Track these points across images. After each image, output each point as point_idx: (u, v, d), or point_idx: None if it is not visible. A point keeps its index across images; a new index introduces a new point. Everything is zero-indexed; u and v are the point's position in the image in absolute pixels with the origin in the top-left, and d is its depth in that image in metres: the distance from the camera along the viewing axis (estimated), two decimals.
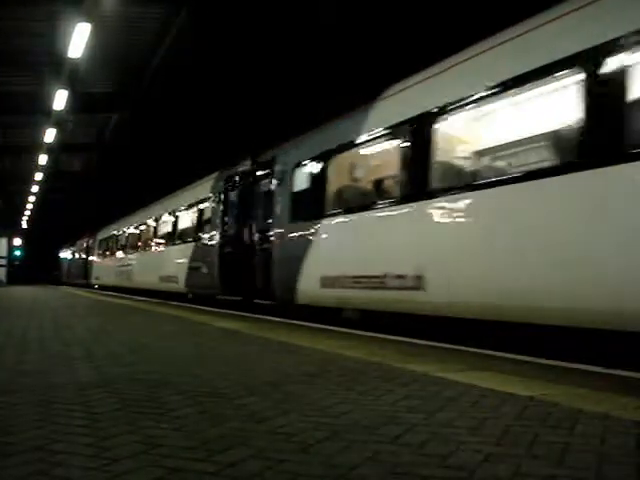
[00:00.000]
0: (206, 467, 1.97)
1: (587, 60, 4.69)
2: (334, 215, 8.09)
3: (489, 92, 5.61)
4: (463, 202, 5.83)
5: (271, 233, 9.90)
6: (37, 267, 52.26)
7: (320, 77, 14.30)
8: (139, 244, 19.91)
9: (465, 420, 2.60)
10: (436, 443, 2.25)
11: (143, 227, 19.62)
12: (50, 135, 23.97)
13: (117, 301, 16.18)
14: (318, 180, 8.51)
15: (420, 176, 6.41)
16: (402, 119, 6.80)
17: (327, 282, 7.92)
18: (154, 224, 18.11)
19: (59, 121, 22.29)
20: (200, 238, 13.51)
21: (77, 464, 2.00)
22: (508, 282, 5.29)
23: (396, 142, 6.98)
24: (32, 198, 41.52)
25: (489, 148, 6.40)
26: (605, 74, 4.55)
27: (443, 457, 2.08)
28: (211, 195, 13.17)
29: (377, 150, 7.67)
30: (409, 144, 6.66)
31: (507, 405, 2.91)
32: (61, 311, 11.17)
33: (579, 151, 4.83)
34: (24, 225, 53.18)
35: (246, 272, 10.73)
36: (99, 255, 27.71)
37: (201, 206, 13.81)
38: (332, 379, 3.66)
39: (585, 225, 4.69)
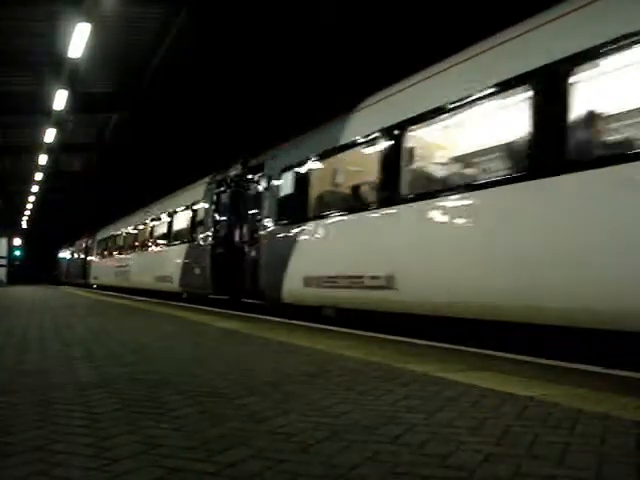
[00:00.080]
0: (206, 467, 1.97)
1: (530, 82, 5.18)
2: (315, 218, 8.62)
3: (445, 109, 6.20)
4: (427, 208, 6.33)
5: (259, 235, 10.43)
6: (37, 267, 52.25)
7: (320, 77, 14.30)
8: (136, 245, 20.25)
9: (465, 420, 2.60)
10: (436, 443, 2.25)
11: (139, 228, 20.02)
12: (50, 135, 23.96)
13: (117, 301, 16.19)
14: (301, 185, 9.10)
15: (390, 183, 6.94)
16: (373, 130, 7.34)
17: (309, 282, 8.38)
18: (150, 225, 18.58)
19: (59, 121, 22.28)
20: (193, 239, 14.02)
21: (77, 464, 2.00)
22: (463, 281, 5.77)
23: (369, 151, 7.50)
24: (32, 198, 41.51)
25: (446, 160, 6.91)
26: (545, 94, 5.02)
27: (443, 457, 2.07)
28: (204, 198, 13.68)
29: (353, 158, 8.26)
30: (380, 153, 7.17)
31: (507, 405, 2.91)
32: (61, 311, 11.17)
33: (524, 164, 5.34)
34: (24, 225, 53.18)
35: (236, 272, 11.21)
36: (97, 255, 27.92)
37: (195, 208, 14.30)
38: (332, 379, 3.66)
39: (530, 229, 5.14)
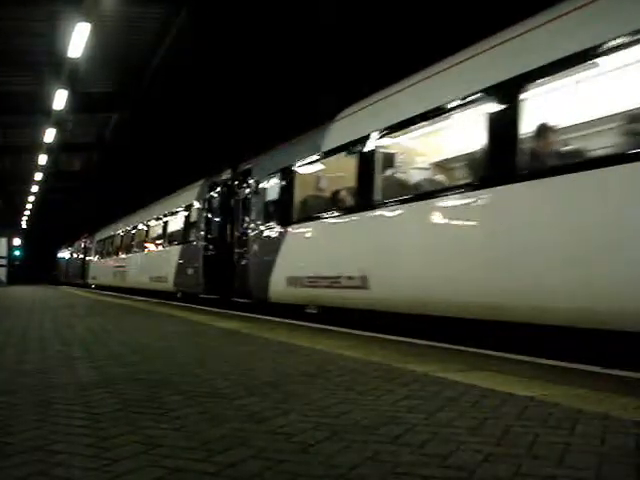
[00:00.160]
0: (206, 467, 1.97)
1: (479, 99, 5.61)
2: (296, 222, 9.15)
3: (411, 123, 6.70)
4: (395, 212, 6.80)
5: (248, 237, 10.96)
6: (37, 267, 52.26)
7: (319, 77, 14.29)
8: (132, 246, 20.60)
9: (465, 420, 2.60)
10: (436, 443, 2.25)
11: (136, 230, 20.38)
12: (50, 135, 23.96)
13: (116, 301, 16.21)
14: (284, 190, 9.63)
15: (363, 189, 7.40)
16: (347, 140, 7.83)
17: (292, 282, 8.87)
18: (146, 227, 19.06)
19: (59, 121, 22.28)
20: (187, 241, 14.56)
21: (77, 464, 2.00)
22: (425, 280, 6.22)
23: (344, 159, 8.00)
24: (32, 198, 41.52)
25: (410, 169, 7.47)
26: (498, 110, 5.38)
27: (443, 457, 2.07)
28: (196, 201, 14.22)
29: (330, 165, 8.82)
30: (354, 162, 7.61)
31: (507, 405, 2.91)
32: (61, 311, 11.18)
33: (476, 173, 5.86)
34: (24, 225, 53.17)
35: (226, 272, 11.71)
36: (96, 256, 28.07)
37: (188, 211, 14.81)
38: (332, 379, 3.66)
39: (480, 233, 5.64)
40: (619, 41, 4.37)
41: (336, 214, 8.06)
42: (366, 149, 7.33)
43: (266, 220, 10.18)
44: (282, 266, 9.29)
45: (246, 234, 11.05)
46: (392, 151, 7.55)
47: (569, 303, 4.74)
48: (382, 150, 7.30)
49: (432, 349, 5.32)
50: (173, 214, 16.11)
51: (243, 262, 11.06)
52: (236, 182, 11.97)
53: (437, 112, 6.27)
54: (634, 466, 1.99)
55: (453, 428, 2.47)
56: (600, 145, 5.09)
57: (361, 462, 2.02)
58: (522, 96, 5.13)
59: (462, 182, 6.23)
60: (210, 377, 3.72)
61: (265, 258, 9.87)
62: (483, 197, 5.53)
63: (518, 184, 5.15)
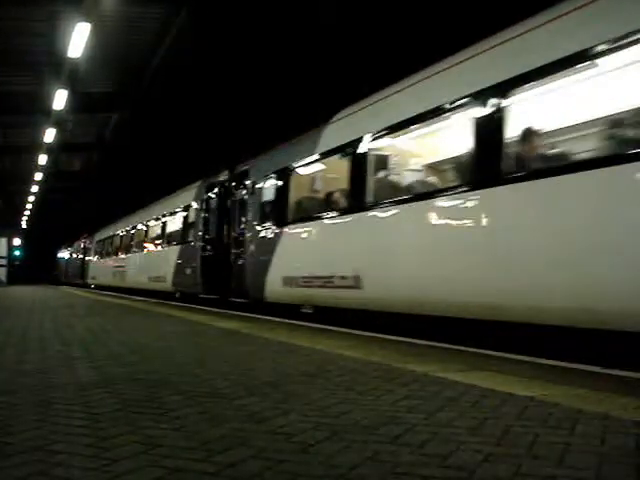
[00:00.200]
0: (206, 467, 1.97)
1: (463, 105, 5.79)
2: (292, 222, 9.25)
3: (400, 128, 6.86)
4: (388, 214, 6.91)
5: (244, 237, 11.08)
6: (37, 267, 52.26)
7: (319, 77, 14.29)
8: (131, 246, 20.70)
9: (465, 420, 2.60)
10: (436, 443, 2.25)
11: (135, 230, 20.48)
12: (50, 135, 23.94)
13: (116, 301, 16.21)
14: (280, 192, 9.73)
15: (356, 191, 7.50)
16: (341, 142, 7.95)
17: (288, 282, 8.97)
18: (145, 227, 19.17)
19: (59, 121, 22.26)
20: (185, 241, 14.66)
21: (77, 464, 2.00)
22: (416, 280, 6.33)
23: (337, 162, 8.13)
24: (32, 198, 41.47)
25: (401, 172, 7.60)
26: (484, 115, 5.52)
27: (443, 457, 2.07)
28: (194, 202, 14.31)
29: (324, 168, 9.01)
30: (347, 164, 7.74)
31: (507, 405, 2.91)
32: (61, 311, 11.18)
33: (464, 176, 6.04)
34: (24, 225, 53.15)
35: (223, 272, 11.81)
36: (95, 256, 28.15)
37: (186, 212, 14.88)
38: (332, 379, 3.66)
39: (467, 234, 5.73)
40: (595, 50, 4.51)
41: (330, 215, 8.15)
42: (360, 151, 7.42)
43: (262, 221, 10.28)
44: (278, 266, 9.40)
45: (243, 234, 11.16)
46: (385, 153, 7.66)
47: (561, 302, 4.80)
48: (375, 152, 7.40)
49: (432, 349, 5.32)
50: (171, 215, 16.20)
51: (240, 262, 11.16)
52: (233, 183, 12.07)
53: (428, 115, 6.40)
54: (634, 466, 1.99)
55: (453, 428, 2.47)
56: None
57: (361, 462, 2.02)
58: (504, 102, 5.30)
59: (454, 184, 6.33)
60: (210, 377, 3.71)
61: (261, 258, 9.97)
62: (474, 198, 5.63)
63: (501, 187, 5.29)
